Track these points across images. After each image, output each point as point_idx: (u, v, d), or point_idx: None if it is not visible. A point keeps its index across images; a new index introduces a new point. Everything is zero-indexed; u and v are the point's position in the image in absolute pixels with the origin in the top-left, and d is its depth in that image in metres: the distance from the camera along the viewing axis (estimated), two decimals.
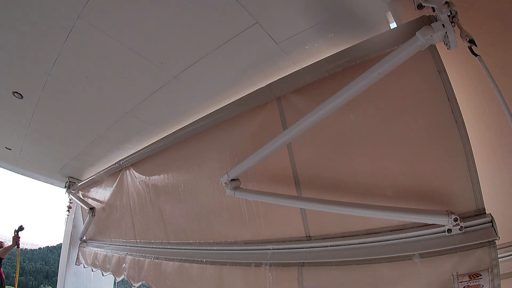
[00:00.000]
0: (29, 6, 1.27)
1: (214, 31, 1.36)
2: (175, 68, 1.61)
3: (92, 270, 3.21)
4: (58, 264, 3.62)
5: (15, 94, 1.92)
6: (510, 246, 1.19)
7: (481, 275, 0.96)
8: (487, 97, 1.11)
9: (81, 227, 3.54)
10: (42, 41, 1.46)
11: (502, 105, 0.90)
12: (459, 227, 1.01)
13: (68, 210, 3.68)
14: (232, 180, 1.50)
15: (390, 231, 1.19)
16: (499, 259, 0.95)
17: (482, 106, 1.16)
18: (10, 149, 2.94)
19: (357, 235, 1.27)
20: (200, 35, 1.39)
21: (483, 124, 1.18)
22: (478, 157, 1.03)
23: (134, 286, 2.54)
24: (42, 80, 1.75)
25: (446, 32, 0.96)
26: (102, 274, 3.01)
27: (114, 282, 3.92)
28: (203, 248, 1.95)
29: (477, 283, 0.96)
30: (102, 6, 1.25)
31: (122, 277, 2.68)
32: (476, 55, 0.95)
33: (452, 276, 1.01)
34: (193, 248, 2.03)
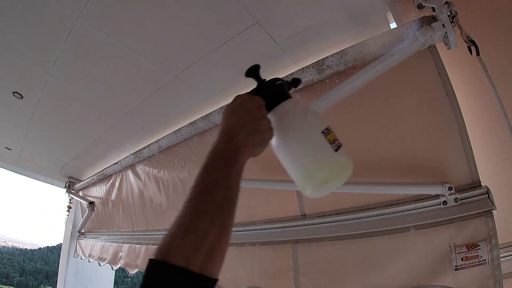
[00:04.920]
0: (29, 6, 1.27)
1: (214, 31, 1.36)
2: (175, 68, 1.60)
3: (89, 261, 3.23)
4: (58, 264, 3.61)
5: (15, 94, 1.92)
6: (510, 246, 1.20)
7: (479, 245, 0.96)
8: (487, 97, 1.11)
9: None
10: (42, 41, 1.46)
11: (498, 105, 0.91)
12: (455, 198, 1.02)
13: (68, 210, 3.69)
14: None
15: (386, 206, 1.20)
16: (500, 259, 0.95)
17: (482, 106, 1.16)
18: (10, 149, 2.94)
19: (352, 211, 1.29)
20: (200, 35, 1.39)
21: (483, 124, 1.18)
22: (479, 157, 1.03)
23: (130, 274, 2.56)
24: (42, 80, 1.75)
25: (446, 32, 0.96)
26: (99, 264, 3.02)
27: (114, 282, 3.94)
28: None
29: (475, 253, 0.96)
30: (102, 6, 1.25)
31: (119, 265, 2.70)
32: (478, 54, 0.95)
33: (449, 247, 1.02)
34: None
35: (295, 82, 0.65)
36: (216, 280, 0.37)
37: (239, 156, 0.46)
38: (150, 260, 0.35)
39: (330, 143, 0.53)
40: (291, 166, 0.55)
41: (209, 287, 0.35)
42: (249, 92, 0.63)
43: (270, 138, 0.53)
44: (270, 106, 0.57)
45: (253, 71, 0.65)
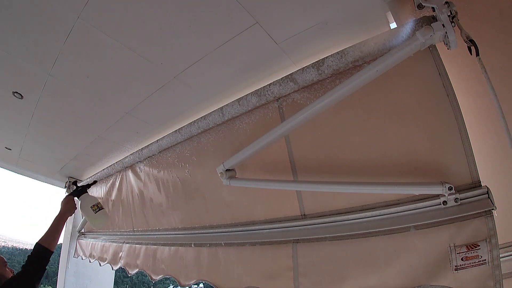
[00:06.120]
0: (29, 6, 1.27)
1: (214, 31, 1.36)
2: (175, 68, 1.60)
3: (90, 261, 3.23)
4: (58, 264, 3.61)
5: (15, 94, 1.92)
6: (510, 246, 1.20)
7: (479, 246, 0.97)
8: (487, 97, 1.11)
9: None
10: (42, 41, 1.46)
11: (497, 107, 0.91)
12: (455, 198, 1.02)
13: None
14: (227, 170, 1.53)
15: (386, 206, 1.20)
16: (500, 259, 0.95)
17: (482, 106, 1.16)
18: (10, 149, 2.94)
19: (352, 212, 1.29)
20: (200, 35, 1.39)
21: (483, 124, 1.18)
22: (479, 157, 1.03)
23: (130, 274, 2.57)
24: (42, 80, 1.75)
25: (446, 32, 0.96)
26: (100, 265, 3.02)
27: (114, 282, 3.94)
28: (199, 231, 1.99)
29: (475, 253, 0.96)
30: (102, 6, 1.25)
31: (119, 265, 2.71)
32: (477, 54, 0.95)
33: (449, 247, 1.02)
34: (189, 232, 2.06)
35: (90, 184, 2.12)
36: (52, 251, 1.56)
37: (63, 217, 1.76)
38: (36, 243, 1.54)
39: (94, 210, 1.94)
40: (86, 217, 2.00)
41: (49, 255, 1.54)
42: (69, 194, 1.94)
43: (74, 211, 1.86)
44: (78, 195, 1.96)
45: (76, 188, 2.01)
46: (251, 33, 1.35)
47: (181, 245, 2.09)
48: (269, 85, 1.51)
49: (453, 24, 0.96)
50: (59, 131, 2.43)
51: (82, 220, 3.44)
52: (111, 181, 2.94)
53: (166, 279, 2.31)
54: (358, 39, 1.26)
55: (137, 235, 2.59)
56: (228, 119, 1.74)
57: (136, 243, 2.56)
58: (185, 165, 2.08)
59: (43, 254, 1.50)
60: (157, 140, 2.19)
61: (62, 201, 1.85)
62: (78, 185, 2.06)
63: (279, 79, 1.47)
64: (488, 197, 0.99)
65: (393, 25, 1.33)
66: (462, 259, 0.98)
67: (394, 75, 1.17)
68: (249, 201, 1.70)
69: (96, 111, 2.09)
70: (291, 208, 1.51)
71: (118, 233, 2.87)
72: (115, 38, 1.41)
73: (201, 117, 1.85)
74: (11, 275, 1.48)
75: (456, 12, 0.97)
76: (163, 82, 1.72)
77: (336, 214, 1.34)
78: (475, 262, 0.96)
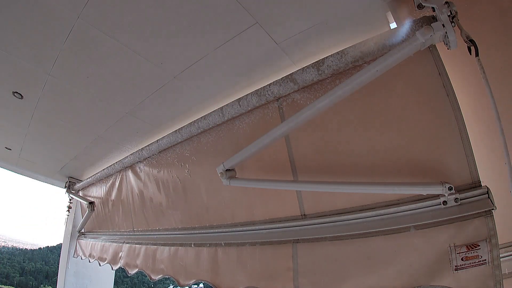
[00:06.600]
0: (29, 6, 1.27)
1: (214, 31, 1.36)
2: (175, 68, 1.60)
3: (90, 261, 3.24)
4: (58, 264, 3.61)
5: (15, 94, 1.92)
6: (510, 246, 1.20)
7: (479, 246, 0.97)
8: (487, 97, 1.11)
9: None
10: (42, 41, 1.46)
11: (492, 107, 0.91)
12: (455, 198, 1.02)
13: (68, 210, 3.69)
14: (227, 170, 1.53)
15: (386, 206, 1.20)
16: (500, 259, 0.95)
17: (482, 106, 1.16)
18: (10, 149, 2.94)
19: (352, 212, 1.29)
20: (200, 35, 1.39)
21: (483, 124, 1.18)
22: (479, 157, 1.03)
23: (130, 274, 2.57)
24: (42, 80, 1.75)
25: (446, 32, 0.96)
26: (99, 265, 3.03)
27: (114, 282, 3.95)
28: (199, 231, 1.99)
29: (475, 253, 0.97)
30: (102, 6, 1.25)
31: (119, 265, 2.71)
32: (476, 54, 0.95)
33: (449, 247, 1.02)
34: (189, 232, 2.06)
35: None
36: None
37: None
38: None
39: None
40: None
41: None
42: None
43: None
44: None
45: None
46: (251, 33, 1.35)
47: (181, 245, 2.09)
48: (269, 85, 1.51)
49: (453, 24, 0.96)
50: (59, 131, 2.43)
51: (82, 220, 3.44)
52: (111, 181, 2.94)
53: (166, 279, 2.32)
54: (358, 39, 1.26)
55: (137, 235, 2.60)
56: (228, 119, 1.74)
57: (136, 243, 2.56)
58: (185, 165, 2.08)
59: None
60: (157, 140, 2.19)
61: None
62: None
63: (279, 79, 1.47)
64: (488, 197, 0.99)
65: (393, 25, 1.33)
66: (462, 259, 0.99)
67: (394, 75, 1.17)
68: (249, 201, 1.70)
69: (96, 111, 2.09)
70: (291, 208, 1.51)
71: (118, 233, 2.87)
72: (115, 38, 1.41)
73: (201, 117, 1.85)
74: None
75: (456, 12, 0.97)
76: (163, 82, 1.72)
77: (336, 214, 1.34)
78: (475, 262, 0.96)
